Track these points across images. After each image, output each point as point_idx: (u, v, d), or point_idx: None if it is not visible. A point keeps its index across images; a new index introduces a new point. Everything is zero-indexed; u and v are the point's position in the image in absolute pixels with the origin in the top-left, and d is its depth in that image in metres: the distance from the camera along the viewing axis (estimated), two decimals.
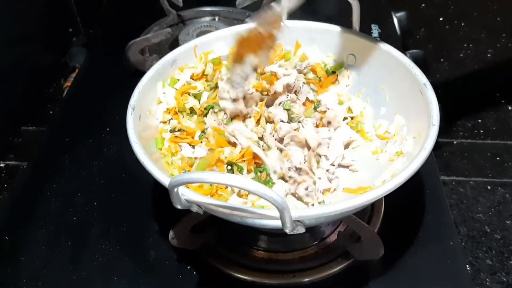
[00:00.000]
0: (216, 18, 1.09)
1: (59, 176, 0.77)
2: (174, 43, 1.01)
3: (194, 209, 0.50)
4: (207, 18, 1.08)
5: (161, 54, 0.99)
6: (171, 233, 0.62)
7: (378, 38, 0.93)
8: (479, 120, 1.05)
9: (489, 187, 0.91)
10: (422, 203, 0.71)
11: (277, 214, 0.45)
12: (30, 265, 0.65)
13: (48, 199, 0.73)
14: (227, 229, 0.66)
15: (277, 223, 0.47)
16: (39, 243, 0.68)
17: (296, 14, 0.75)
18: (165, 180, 0.50)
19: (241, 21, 1.07)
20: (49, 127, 0.90)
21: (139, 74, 0.68)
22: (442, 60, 1.19)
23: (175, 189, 0.45)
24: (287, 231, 0.46)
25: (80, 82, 0.98)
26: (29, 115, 1.02)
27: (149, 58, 0.97)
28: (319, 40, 0.73)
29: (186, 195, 0.48)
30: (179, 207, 0.48)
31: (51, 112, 1.05)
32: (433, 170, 0.76)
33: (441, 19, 1.32)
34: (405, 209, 0.70)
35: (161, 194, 0.67)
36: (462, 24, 1.29)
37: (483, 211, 0.87)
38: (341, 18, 0.75)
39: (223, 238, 0.66)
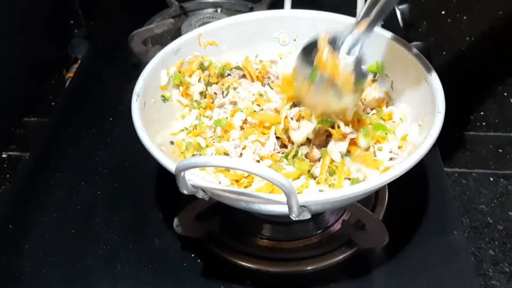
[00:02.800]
0: (219, 10, 1.08)
1: (62, 166, 0.77)
2: (176, 34, 1.01)
3: (200, 195, 0.50)
4: (210, 10, 1.08)
5: (163, 45, 0.98)
6: (175, 221, 0.62)
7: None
8: (482, 113, 1.05)
9: (491, 179, 0.91)
10: (426, 193, 0.71)
11: (284, 199, 0.45)
12: (34, 253, 0.65)
13: (51, 189, 0.73)
14: (231, 218, 0.66)
15: (283, 209, 0.47)
16: (43, 231, 0.68)
17: (299, 3, 0.75)
18: (171, 166, 0.50)
19: (244, 13, 1.06)
20: (52, 117, 0.90)
21: (141, 64, 0.68)
22: (444, 53, 1.19)
23: (182, 174, 0.45)
24: (293, 216, 0.46)
25: (82, 73, 0.98)
26: (31, 106, 1.02)
27: (151, 48, 0.96)
28: (324, 30, 0.73)
29: (192, 180, 0.48)
30: (185, 192, 0.48)
31: (53, 103, 1.05)
32: (437, 160, 0.76)
33: (443, 12, 1.31)
34: (409, 198, 0.70)
35: (165, 182, 0.68)
36: (464, 17, 1.29)
37: (486, 203, 0.87)
38: (344, 9, 0.75)
39: (227, 227, 0.66)
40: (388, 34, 0.67)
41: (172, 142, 0.64)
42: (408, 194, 0.70)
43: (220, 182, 0.56)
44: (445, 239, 0.65)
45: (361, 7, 0.68)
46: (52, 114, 0.92)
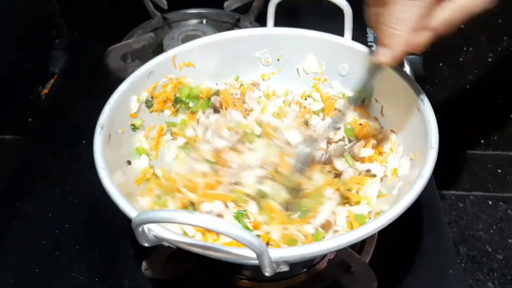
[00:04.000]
0: (204, 21, 1.03)
1: (29, 195, 0.72)
2: (158, 48, 0.95)
3: (166, 244, 0.45)
4: (194, 21, 1.03)
5: (144, 60, 0.93)
6: (144, 264, 0.57)
7: (372, 46, 0.88)
8: (479, 129, 0.99)
9: (490, 202, 0.86)
10: (419, 225, 0.66)
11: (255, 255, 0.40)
12: None
13: (15, 221, 0.68)
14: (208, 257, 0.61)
15: (256, 263, 0.41)
16: (4, 270, 0.63)
17: (283, 20, 0.70)
18: (132, 213, 0.44)
19: (229, 24, 1.02)
20: (24, 138, 0.85)
21: (120, 81, 0.63)
22: (440, 64, 1.14)
23: (140, 228, 0.40)
24: (267, 273, 0.41)
25: (58, 89, 0.93)
26: (7, 122, 0.97)
27: (131, 64, 0.91)
28: (308, 49, 0.68)
29: (155, 231, 0.42)
30: (146, 244, 0.43)
31: (30, 119, 0.99)
32: (431, 188, 0.71)
33: None
34: (400, 233, 0.64)
35: None
36: (461, 26, 1.24)
37: (484, 229, 0.82)
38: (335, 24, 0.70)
39: (204, 266, 0.60)
40: None
41: (129, 162, 0.60)
42: (400, 227, 0.64)
43: (185, 233, 0.51)
44: (440, 279, 0.60)
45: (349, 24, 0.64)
46: (24, 134, 0.87)
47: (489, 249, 0.79)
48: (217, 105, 0.67)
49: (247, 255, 0.41)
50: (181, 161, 0.64)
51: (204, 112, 0.68)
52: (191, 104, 0.67)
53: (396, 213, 0.45)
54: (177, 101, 0.66)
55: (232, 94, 0.67)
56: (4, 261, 0.64)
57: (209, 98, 0.67)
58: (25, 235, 0.66)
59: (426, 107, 0.54)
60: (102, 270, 0.62)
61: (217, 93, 0.67)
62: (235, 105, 0.65)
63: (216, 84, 0.69)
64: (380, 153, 0.60)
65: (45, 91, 0.98)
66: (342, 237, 0.43)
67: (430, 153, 0.50)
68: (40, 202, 0.71)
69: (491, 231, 0.81)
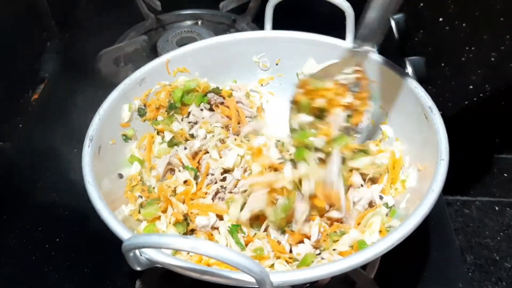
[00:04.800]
0: (199, 22, 1.00)
1: (18, 207, 0.68)
2: (152, 50, 0.92)
3: (159, 265, 0.42)
4: (189, 22, 1.00)
5: (137, 64, 0.90)
6: (138, 283, 0.54)
7: (376, 48, 0.85)
8: (483, 132, 0.97)
9: (496, 208, 0.83)
10: (426, 235, 0.64)
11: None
12: None
13: (4, 235, 0.65)
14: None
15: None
16: None
17: (281, 23, 0.67)
18: (123, 235, 0.41)
19: (225, 25, 0.98)
20: (13, 146, 0.82)
21: (113, 85, 0.60)
22: (442, 64, 1.11)
23: (131, 253, 0.37)
24: None
25: (48, 94, 0.89)
26: None
27: (124, 68, 0.88)
28: (308, 53, 0.65)
29: (148, 254, 0.39)
30: (138, 268, 0.40)
31: (20, 125, 0.96)
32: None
33: (440, 19, 1.23)
34: (406, 244, 0.62)
35: None
36: (463, 25, 1.21)
37: (491, 236, 0.79)
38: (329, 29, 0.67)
39: (200, 284, 0.57)
40: (381, 60, 0.59)
41: (121, 176, 0.57)
42: (405, 239, 0.62)
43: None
44: None
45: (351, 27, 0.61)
46: (12, 141, 0.84)
47: (497, 257, 0.76)
48: (213, 103, 0.64)
49: (247, 279, 0.38)
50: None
51: (198, 106, 0.64)
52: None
53: (408, 230, 0.42)
54: (171, 107, 0.63)
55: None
56: None
57: (206, 94, 0.64)
58: (15, 249, 0.63)
59: (435, 115, 0.52)
60: (94, 286, 0.59)
61: (216, 90, 0.64)
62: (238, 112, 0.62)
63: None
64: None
65: (35, 96, 0.95)
66: (351, 258, 0.40)
67: (440, 165, 0.47)
68: (29, 214, 0.68)
69: (498, 238, 0.79)
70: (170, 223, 0.51)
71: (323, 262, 0.48)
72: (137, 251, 0.39)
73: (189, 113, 0.64)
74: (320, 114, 0.56)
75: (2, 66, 0.95)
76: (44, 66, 1.02)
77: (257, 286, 0.38)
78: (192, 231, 0.54)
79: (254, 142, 0.59)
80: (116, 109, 0.57)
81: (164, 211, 0.52)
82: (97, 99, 0.61)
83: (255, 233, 0.53)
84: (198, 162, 0.59)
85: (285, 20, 0.69)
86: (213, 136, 0.61)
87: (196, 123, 0.64)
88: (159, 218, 0.52)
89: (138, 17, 0.98)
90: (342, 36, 0.64)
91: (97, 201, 0.45)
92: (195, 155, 0.60)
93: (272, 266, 0.50)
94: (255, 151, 0.57)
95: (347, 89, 0.55)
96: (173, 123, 0.63)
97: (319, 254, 0.50)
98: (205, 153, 0.60)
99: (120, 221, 0.44)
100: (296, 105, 0.57)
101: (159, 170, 0.58)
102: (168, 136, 0.62)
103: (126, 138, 0.59)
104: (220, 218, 0.53)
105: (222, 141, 0.60)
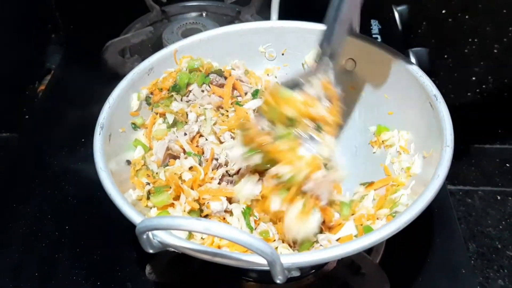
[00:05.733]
0: (204, 14, 1.00)
1: (27, 196, 0.69)
2: (157, 42, 0.93)
3: (170, 249, 0.43)
4: (194, 14, 1.00)
5: (143, 55, 0.91)
6: (148, 268, 0.55)
7: (379, 40, 0.86)
8: (486, 123, 0.97)
9: (499, 197, 0.84)
10: (430, 223, 0.65)
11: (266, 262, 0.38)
12: None
13: (13, 223, 0.66)
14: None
15: (267, 268, 0.40)
16: (3, 272, 0.61)
17: (287, 13, 0.68)
18: (135, 218, 0.42)
19: (230, 17, 0.99)
20: (19, 137, 0.82)
21: (119, 77, 0.60)
22: (445, 56, 1.11)
23: (144, 235, 0.38)
24: (279, 281, 0.39)
25: (54, 86, 0.90)
26: (3, 120, 0.94)
27: (129, 59, 0.89)
28: (314, 43, 0.65)
29: (160, 237, 0.40)
30: (151, 251, 0.41)
31: (26, 116, 0.97)
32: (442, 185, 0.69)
33: (443, 11, 1.23)
34: (410, 231, 0.63)
35: None
36: (466, 17, 1.21)
37: (493, 225, 0.80)
38: None
39: (209, 269, 0.58)
40: (387, 50, 0.60)
41: (128, 162, 0.58)
42: (410, 226, 0.63)
43: (191, 235, 0.49)
44: (452, 278, 0.58)
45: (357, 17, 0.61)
46: (20, 132, 0.85)
47: (499, 246, 0.77)
48: (215, 83, 0.64)
49: (258, 261, 0.39)
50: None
51: (199, 86, 0.64)
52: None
53: (414, 214, 0.43)
54: (174, 88, 0.63)
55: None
56: (3, 264, 0.61)
57: (208, 74, 0.64)
58: (24, 237, 0.64)
59: (440, 103, 0.52)
60: (105, 273, 0.60)
61: (218, 71, 0.65)
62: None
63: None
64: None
65: (42, 87, 0.96)
66: (359, 240, 0.41)
67: (445, 151, 0.48)
68: (38, 203, 0.69)
69: (500, 227, 0.80)
70: (184, 211, 0.52)
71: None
72: (150, 234, 0.40)
73: (189, 91, 0.64)
74: (289, 123, 0.54)
75: (8, 58, 0.96)
76: (50, 57, 1.03)
77: (267, 268, 0.39)
78: (205, 217, 0.54)
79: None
80: (125, 98, 0.58)
81: (176, 199, 0.53)
82: (103, 90, 0.62)
83: (260, 217, 0.54)
84: (196, 146, 0.60)
85: (290, 10, 0.69)
86: (205, 119, 0.61)
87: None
88: (171, 205, 0.53)
89: (143, 9, 0.98)
90: None
91: (110, 186, 0.46)
92: (192, 139, 0.60)
93: (276, 249, 0.51)
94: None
95: (317, 100, 0.53)
96: (172, 103, 0.63)
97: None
98: (200, 136, 0.61)
99: (132, 205, 0.44)
100: (263, 113, 0.55)
101: (159, 156, 0.59)
102: (170, 118, 0.62)
103: (135, 126, 0.59)
104: (230, 201, 0.54)
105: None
